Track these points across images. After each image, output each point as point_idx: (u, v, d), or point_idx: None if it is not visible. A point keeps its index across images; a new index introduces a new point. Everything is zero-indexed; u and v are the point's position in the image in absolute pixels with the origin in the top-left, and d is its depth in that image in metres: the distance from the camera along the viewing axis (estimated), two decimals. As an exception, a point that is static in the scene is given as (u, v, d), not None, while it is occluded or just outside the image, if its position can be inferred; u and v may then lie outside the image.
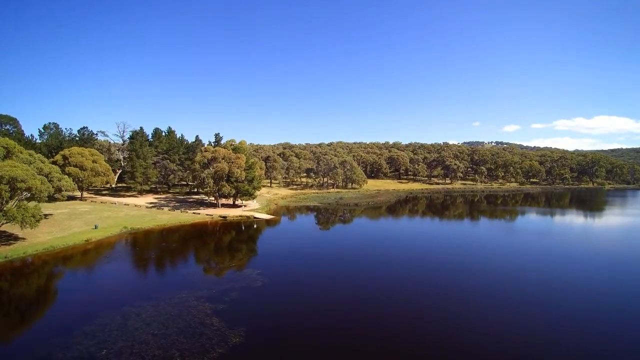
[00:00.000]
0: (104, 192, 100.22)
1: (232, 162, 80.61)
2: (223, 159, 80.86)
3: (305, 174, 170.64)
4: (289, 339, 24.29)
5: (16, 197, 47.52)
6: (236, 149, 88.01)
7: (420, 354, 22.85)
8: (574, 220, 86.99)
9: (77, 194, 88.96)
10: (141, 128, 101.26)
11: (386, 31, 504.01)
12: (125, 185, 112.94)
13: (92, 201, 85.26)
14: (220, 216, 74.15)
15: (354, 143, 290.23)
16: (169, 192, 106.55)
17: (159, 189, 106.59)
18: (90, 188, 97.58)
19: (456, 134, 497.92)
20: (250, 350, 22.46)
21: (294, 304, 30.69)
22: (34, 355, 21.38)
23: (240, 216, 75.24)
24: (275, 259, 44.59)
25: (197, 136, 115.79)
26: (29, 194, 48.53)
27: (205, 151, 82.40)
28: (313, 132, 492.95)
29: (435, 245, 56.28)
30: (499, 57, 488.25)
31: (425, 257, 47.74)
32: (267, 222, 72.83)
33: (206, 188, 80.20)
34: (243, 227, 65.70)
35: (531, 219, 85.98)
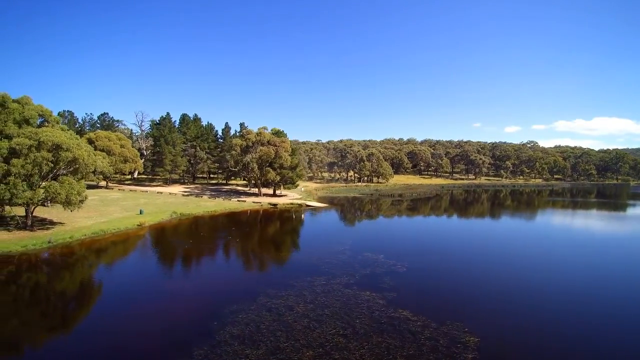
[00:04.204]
0: (127, 182, 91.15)
1: (278, 146, 72.49)
2: (268, 142, 72.76)
3: (326, 169, 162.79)
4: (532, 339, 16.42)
5: (54, 172, 38.77)
6: (277, 133, 79.86)
7: None
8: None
9: (102, 182, 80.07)
10: (168, 113, 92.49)
11: (384, 30, 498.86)
12: (146, 176, 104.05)
13: (119, 189, 76.44)
14: (270, 204, 65.88)
15: (364, 140, 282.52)
16: (195, 183, 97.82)
17: (185, 180, 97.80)
18: (112, 177, 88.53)
19: (457, 134, 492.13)
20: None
21: (481, 294, 22.73)
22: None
23: (291, 204, 67.02)
24: (381, 243, 36.74)
25: (226, 123, 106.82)
26: (72, 169, 39.84)
27: (248, 134, 74.18)
28: (315, 130, 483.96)
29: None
30: (500, 57, 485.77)
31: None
32: (324, 210, 64.72)
33: (250, 174, 71.90)
34: (294, 215, 57.39)
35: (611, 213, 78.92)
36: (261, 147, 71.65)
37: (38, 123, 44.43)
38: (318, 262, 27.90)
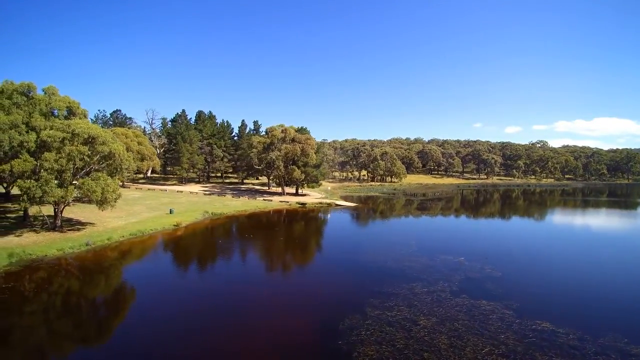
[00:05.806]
0: (140, 181, 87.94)
1: (304, 143, 69.71)
2: (292, 139, 70.02)
3: (337, 168, 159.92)
4: None
5: (87, 168, 35.56)
6: (301, 130, 77.01)
7: None
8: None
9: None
10: (183, 110, 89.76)
11: (384, 30, 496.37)
12: (159, 175, 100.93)
13: (136, 188, 73.32)
14: (297, 203, 63.00)
15: (369, 140, 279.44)
16: (210, 182, 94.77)
17: (201, 179, 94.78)
18: (127, 176, 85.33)
19: (458, 134, 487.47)
20: None
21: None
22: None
23: (319, 204, 64.16)
24: (448, 244, 34.25)
25: (242, 120, 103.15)
26: (105, 164, 36.73)
27: (272, 131, 71.33)
28: (319, 130, 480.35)
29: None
30: (500, 58, 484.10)
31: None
32: (355, 209, 61.91)
33: (275, 172, 68.99)
34: (329, 215, 54.52)
35: None
36: (286, 145, 68.91)
37: (64, 115, 41.51)
38: (398, 266, 25.11)
